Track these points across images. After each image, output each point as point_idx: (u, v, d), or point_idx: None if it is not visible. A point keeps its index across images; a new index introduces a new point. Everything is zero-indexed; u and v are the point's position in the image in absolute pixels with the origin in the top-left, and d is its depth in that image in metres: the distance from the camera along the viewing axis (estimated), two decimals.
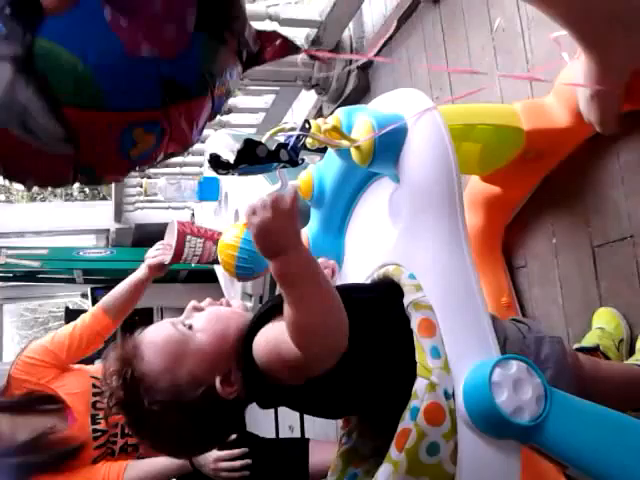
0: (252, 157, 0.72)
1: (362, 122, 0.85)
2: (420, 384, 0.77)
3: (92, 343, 1.70)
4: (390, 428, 0.77)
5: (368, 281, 0.96)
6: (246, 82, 2.27)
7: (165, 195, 2.13)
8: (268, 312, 0.81)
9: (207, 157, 0.72)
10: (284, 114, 2.72)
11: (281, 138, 0.81)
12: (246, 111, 2.73)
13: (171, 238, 1.75)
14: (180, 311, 0.90)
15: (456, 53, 1.70)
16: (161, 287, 3.71)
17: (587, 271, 1.28)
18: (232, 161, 0.72)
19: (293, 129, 0.78)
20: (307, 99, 2.60)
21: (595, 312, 1.25)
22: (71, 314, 3.87)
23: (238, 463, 1.58)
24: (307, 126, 0.78)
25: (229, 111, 2.69)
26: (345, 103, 2.30)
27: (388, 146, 0.85)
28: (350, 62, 2.20)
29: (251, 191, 1.61)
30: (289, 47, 0.71)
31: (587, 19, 0.88)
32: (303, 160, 0.78)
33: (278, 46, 0.69)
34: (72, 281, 3.86)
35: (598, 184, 1.25)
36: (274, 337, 0.77)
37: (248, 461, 1.59)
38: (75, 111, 0.53)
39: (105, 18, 0.51)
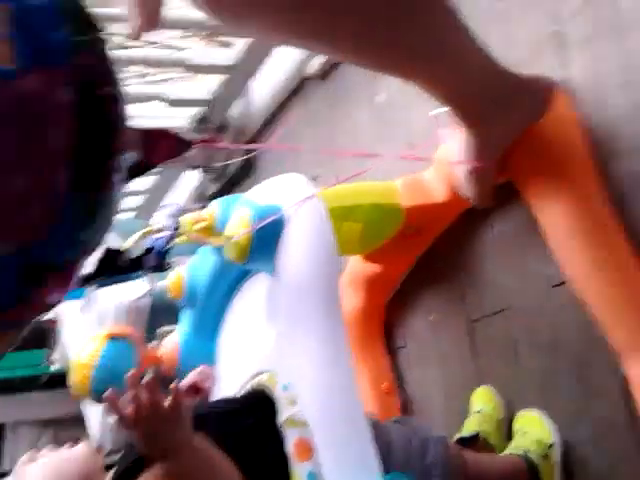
0: (113, 267, 0.63)
1: (238, 216, 0.80)
2: None
3: None
4: None
5: (241, 392, 0.89)
6: None
7: None
8: (132, 469, 0.69)
9: None
10: (166, 194, 2.64)
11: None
12: (127, 194, 2.60)
13: None
14: (39, 424, 0.77)
15: (342, 126, 1.70)
16: (16, 398, 3.26)
17: (465, 347, 1.27)
18: (92, 271, 0.63)
19: (161, 230, 0.70)
20: (190, 178, 2.53)
21: (473, 393, 1.24)
22: None
23: None
24: (176, 226, 0.71)
25: None
26: (230, 182, 2.26)
27: (266, 241, 0.81)
28: (235, 141, 2.17)
29: (119, 288, 1.49)
30: (181, 146, 0.62)
31: (467, 98, 0.93)
32: (170, 265, 0.71)
33: (169, 148, 0.59)
34: None
35: (473, 256, 1.27)
36: None
37: None
38: None
39: None
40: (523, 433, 1.12)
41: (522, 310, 1.16)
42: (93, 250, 0.50)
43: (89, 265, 0.62)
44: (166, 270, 0.70)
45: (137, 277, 0.67)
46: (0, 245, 0.40)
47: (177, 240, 0.75)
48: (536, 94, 0.96)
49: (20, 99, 0.41)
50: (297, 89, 1.92)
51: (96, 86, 0.46)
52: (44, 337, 2.59)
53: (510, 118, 0.94)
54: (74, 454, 0.76)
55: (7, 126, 0.40)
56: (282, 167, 0.91)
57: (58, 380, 3.03)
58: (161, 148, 0.60)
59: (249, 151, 1.85)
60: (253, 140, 2.16)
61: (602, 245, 0.91)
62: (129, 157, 0.51)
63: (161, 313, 1.38)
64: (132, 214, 2.66)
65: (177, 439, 0.62)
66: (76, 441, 0.77)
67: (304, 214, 0.83)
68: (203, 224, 0.77)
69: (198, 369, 0.88)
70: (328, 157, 1.74)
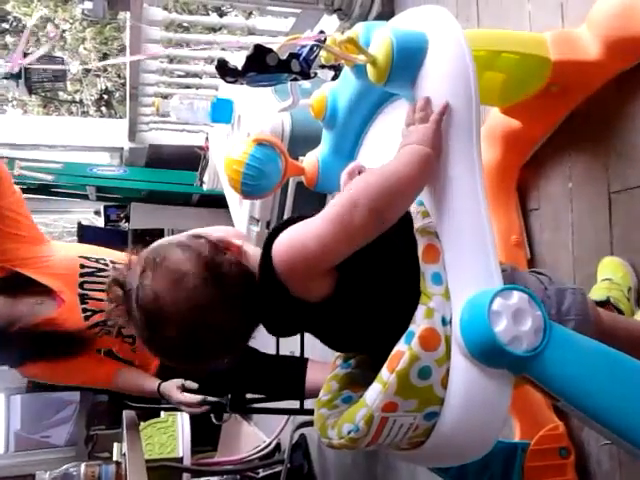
0: (261, 65, 0.69)
1: (381, 38, 0.81)
2: (419, 310, 0.77)
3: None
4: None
5: None
6: (266, 2, 2.18)
7: (178, 114, 2.10)
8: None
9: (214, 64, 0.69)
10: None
11: None
12: (265, 34, 2.65)
13: None
14: None
15: None
16: (173, 209, 3.74)
17: (601, 217, 1.25)
18: (240, 68, 0.69)
19: (308, 39, 0.74)
20: (328, 24, 2.51)
21: (600, 263, 1.23)
22: (83, 230, 3.92)
23: (198, 410, 1.71)
24: (322, 37, 0.75)
25: (249, 33, 2.62)
26: None
27: (406, 65, 0.81)
28: None
29: (263, 114, 1.57)
30: None
31: None
32: (316, 74, 0.75)
33: None
34: (85, 197, 3.89)
35: (621, 128, 1.21)
36: (296, 229, 0.76)
37: (207, 408, 1.71)
38: None
39: None
40: None
41: None
42: None
43: (238, 61, 0.67)
44: (311, 78, 0.74)
45: (284, 80, 0.71)
46: None
47: (322, 55, 0.78)
48: None
49: None
50: None
51: None
52: (197, 161, 2.86)
53: None
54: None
55: None
56: None
57: (208, 201, 3.41)
58: None
59: None
60: None
61: None
62: None
63: (301, 141, 1.47)
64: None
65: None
66: None
67: (446, 44, 0.82)
68: (345, 37, 0.80)
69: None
70: (471, 12, 1.66)
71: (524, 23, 1.42)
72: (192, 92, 2.96)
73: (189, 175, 3.22)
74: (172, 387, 1.70)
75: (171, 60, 2.97)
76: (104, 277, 1.61)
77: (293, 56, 0.73)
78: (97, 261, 1.65)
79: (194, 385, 1.71)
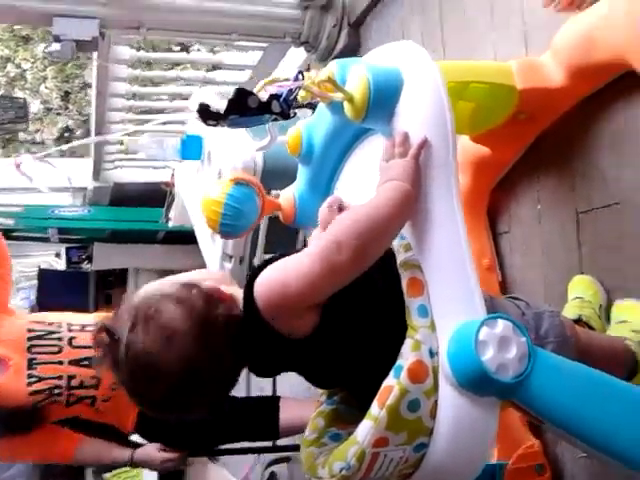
0: (243, 107, 0.70)
1: (357, 76, 0.83)
2: (406, 343, 0.77)
3: None
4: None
5: None
6: (233, 37, 2.21)
7: (147, 152, 2.09)
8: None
9: (196, 108, 0.70)
10: (271, 72, 2.66)
11: None
12: (232, 68, 2.67)
13: None
14: (157, 273, 0.87)
15: (452, 12, 1.66)
16: (138, 247, 3.64)
17: (570, 238, 1.28)
18: (222, 111, 0.70)
19: (287, 80, 0.76)
20: (295, 57, 2.55)
21: (570, 282, 1.25)
22: (44, 274, 3.80)
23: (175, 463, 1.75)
24: (300, 77, 0.76)
25: (214, 68, 2.63)
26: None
27: (383, 101, 0.83)
28: (342, 19, 2.14)
29: (235, 150, 1.58)
30: None
31: None
32: (295, 113, 0.76)
33: None
34: (46, 240, 3.79)
35: (587, 150, 1.24)
36: (277, 267, 0.77)
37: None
38: None
39: None
40: (622, 321, 1.13)
41: (634, 207, 1.14)
42: None
43: (220, 105, 0.68)
44: (291, 118, 0.75)
45: (265, 121, 0.72)
46: None
47: (300, 94, 0.79)
48: None
49: None
50: None
51: None
52: (162, 197, 2.83)
53: None
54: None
55: None
56: None
57: (175, 237, 3.33)
58: None
59: (355, 29, 1.78)
60: (360, 21, 2.13)
61: None
62: None
63: (274, 176, 1.47)
64: None
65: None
66: None
67: (421, 78, 0.84)
68: (324, 77, 0.81)
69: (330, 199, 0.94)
70: (437, 43, 1.71)
71: (488, 52, 1.47)
72: (160, 128, 2.96)
73: (154, 212, 3.17)
74: (151, 450, 1.70)
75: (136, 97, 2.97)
76: (55, 339, 1.58)
77: (273, 97, 0.74)
78: (49, 324, 1.62)
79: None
